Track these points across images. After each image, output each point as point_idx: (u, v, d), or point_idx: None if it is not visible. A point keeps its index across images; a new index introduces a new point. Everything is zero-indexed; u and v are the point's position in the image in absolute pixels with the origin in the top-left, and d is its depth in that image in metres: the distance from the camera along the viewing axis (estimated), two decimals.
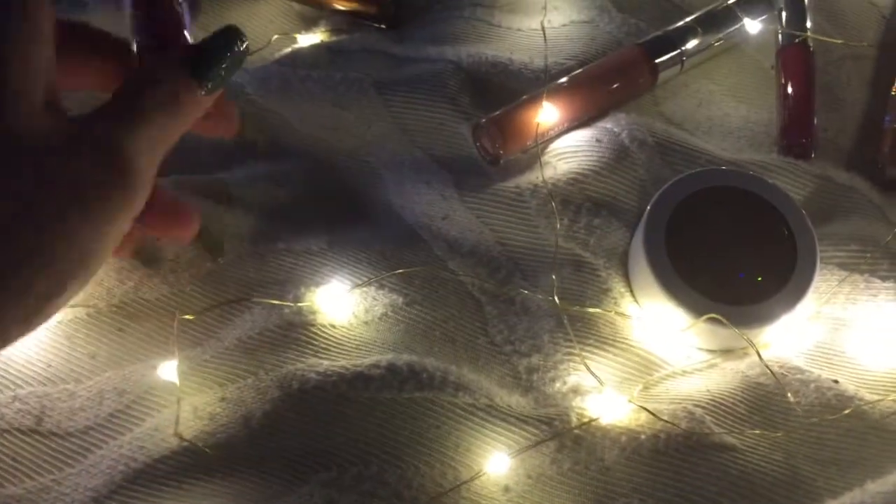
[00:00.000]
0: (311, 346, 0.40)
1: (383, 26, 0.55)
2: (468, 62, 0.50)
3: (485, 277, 0.44)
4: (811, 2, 0.53)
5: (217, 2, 0.55)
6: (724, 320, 0.40)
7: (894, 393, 0.41)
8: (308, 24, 0.57)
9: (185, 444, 0.37)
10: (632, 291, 0.45)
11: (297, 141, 0.49)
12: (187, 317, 0.41)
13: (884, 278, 0.44)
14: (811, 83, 0.50)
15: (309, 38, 0.56)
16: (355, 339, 0.41)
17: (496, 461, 0.38)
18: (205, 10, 0.56)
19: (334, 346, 0.41)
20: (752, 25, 0.52)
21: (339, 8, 0.56)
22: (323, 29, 0.56)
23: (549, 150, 0.48)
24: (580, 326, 0.43)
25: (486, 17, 0.54)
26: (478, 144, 0.48)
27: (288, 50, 0.55)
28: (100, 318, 0.41)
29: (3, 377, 0.40)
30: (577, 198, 0.46)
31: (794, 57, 0.51)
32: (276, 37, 0.54)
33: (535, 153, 0.48)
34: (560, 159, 0.48)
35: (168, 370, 0.39)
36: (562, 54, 0.52)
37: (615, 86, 0.50)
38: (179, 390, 0.38)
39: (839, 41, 0.53)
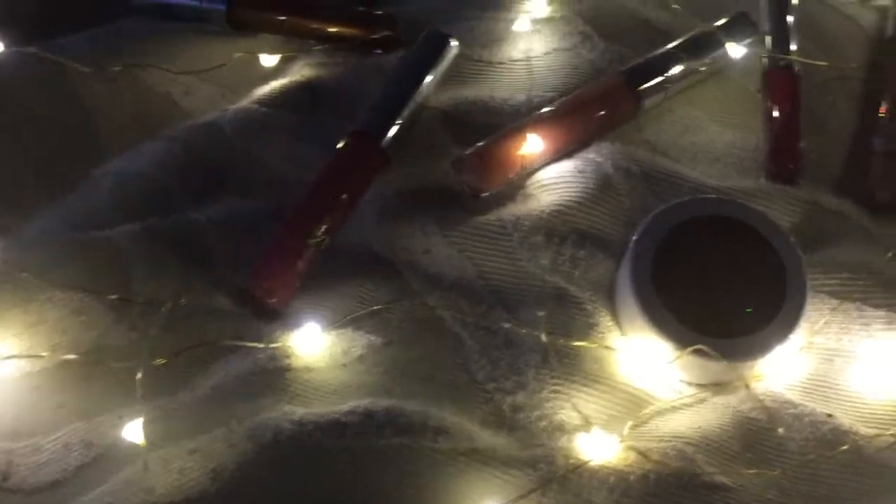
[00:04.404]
0: (285, 393, 0.39)
1: (379, 51, 0.54)
2: (448, 103, 0.50)
3: (466, 311, 0.43)
4: (796, 24, 0.52)
5: (202, 36, 0.54)
6: (710, 351, 0.39)
7: (892, 427, 0.40)
8: (289, 60, 0.56)
9: (156, 500, 0.35)
10: (619, 325, 0.43)
11: (273, 181, 0.49)
12: (159, 361, 0.40)
13: (877, 307, 0.43)
14: (797, 107, 0.50)
15: (290, 73, 0.55)
16: (332, 384, 0.40)
17: None
18: (186, 47, 0.55)
19: (311, 391, 0.40)
20: (737, 50, 0.51)
21: (330, 31, 0.54)
22: (305, 62, 0.55)
23: (531, 181, 0.47)
24: (566, 362, 0.41)
25: (466, 52, 0.53)
26: (460, 178, 0.47)
27: (268, 88, 0.53)
28: (68, 367, 0.40)
29: None
30: (560, 230, 0.45)
31: (781, 80, 0.51)
32: (237, 55, 0.52)
33: (517, 185, 0.47)
34: (543, 191, 0.47)
35: (134, 430, 0.37)
36: (544, 86, 0.51)
37: (598, 115, 0.49)
38: (146, 450, 0.37)
39: (824, 63, 0.52)
